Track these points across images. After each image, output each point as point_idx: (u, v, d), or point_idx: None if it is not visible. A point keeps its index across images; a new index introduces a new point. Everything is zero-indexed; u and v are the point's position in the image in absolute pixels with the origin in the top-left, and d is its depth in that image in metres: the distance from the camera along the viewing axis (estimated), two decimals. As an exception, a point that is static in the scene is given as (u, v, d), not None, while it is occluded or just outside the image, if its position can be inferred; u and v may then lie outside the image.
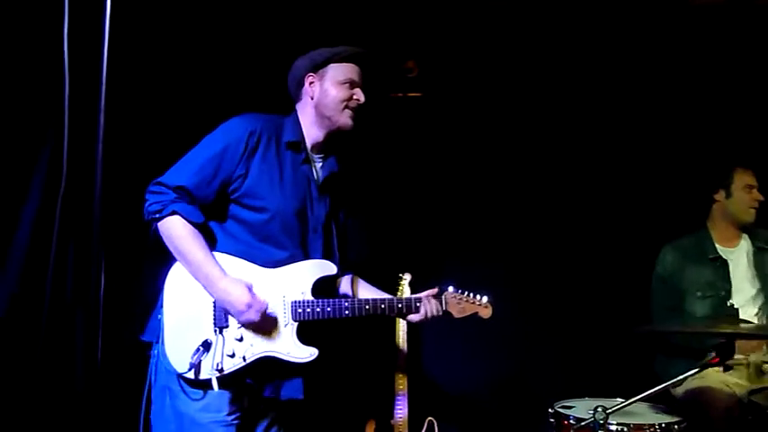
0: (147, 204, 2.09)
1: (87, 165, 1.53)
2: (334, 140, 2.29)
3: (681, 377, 2.37)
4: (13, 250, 2.30)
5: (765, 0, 3.25)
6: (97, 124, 1.47)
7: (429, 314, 2.29)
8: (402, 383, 3.02)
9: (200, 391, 2.04)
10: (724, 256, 3.03)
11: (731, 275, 2.99)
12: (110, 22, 1.44)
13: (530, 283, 3.63)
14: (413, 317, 2.30)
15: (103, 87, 1.40)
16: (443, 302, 2.32)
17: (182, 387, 2.05)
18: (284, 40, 3.05)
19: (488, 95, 3.66)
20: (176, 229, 2.05)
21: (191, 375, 2.01)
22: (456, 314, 2.34)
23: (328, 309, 2.15)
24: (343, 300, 2.20)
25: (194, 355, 2.00)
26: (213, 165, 2.09)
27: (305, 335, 2.15)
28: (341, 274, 2.33)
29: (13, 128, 2.36)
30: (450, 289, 2.35)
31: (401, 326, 3.07)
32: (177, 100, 3.01)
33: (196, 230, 2.07)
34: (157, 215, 2.06)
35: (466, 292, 2.36)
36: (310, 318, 2.14)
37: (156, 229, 2.09)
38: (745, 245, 3.08)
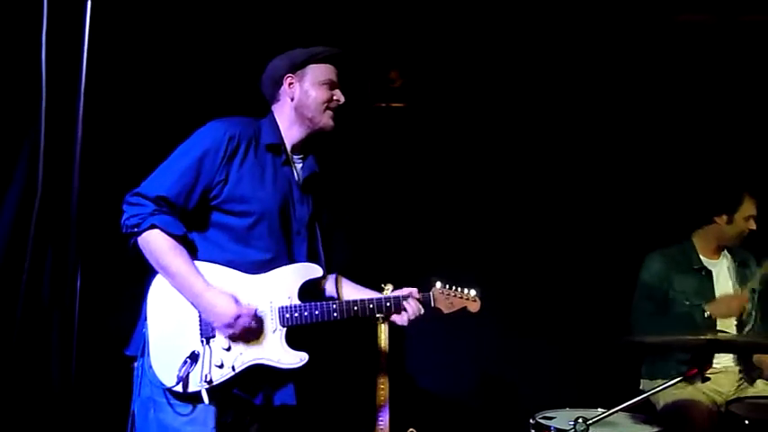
0: (124, 217, 2.03)
1: (65, 169, 1.52)
2: (313, 141, 2.26)
3: (659, 388, 2.41)
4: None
5: (749, 17, 3.31)
6: (75, 128, 1.46)
7: (411, 316, 2.22)
8: (384, 389, 2.97)
9: (189, 405, 1.99)
10: (709, 267, 3.10)
11: (714, 286, 3.06)
12: (88, 29, 1.44)
13: (512, 294, 3.63)
14: (395, 319, 2.25)
15: (82, 88, 1.39)
16: (432, 299, 2.27)
17: (167, 400, 2.00)
18: (264, 48, 3.06)
19: (471, 106, 3.67)
20: (156, 243, 2.00)
21: (179, 389, 1.96)
22: (445, 310, 2.29)
23: (316, 312, 2.11)
24: (330, 302, 2.16)
25: (182, 367, 1.95)
26: (193, 172, 2.04)
27: (292, 340, 2.12)
28: (326, 275, 2.29)
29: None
30: (438, 284, 2.29)
31: (383, 328, 3.02)
32: (155, 104, 2.98)
33: (177, 243, 2.02)
34: (136, 229, 2.00)
35: (454, 287, 2.31)
36: (298, 322, 2.10)
37: (136, 243, 2.03)
38: (725, 260, 3.16)
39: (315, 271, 2.17)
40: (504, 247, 3.66)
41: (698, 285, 3.05)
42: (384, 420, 3.03)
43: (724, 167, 3.50)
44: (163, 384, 1.97)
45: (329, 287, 2.34)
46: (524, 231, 3.68)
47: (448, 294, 2.29)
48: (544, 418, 2.64)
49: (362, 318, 2.21)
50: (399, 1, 3.23)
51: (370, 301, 2.20)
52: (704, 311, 2.98)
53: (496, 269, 3.60)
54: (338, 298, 2.27)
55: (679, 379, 2.34)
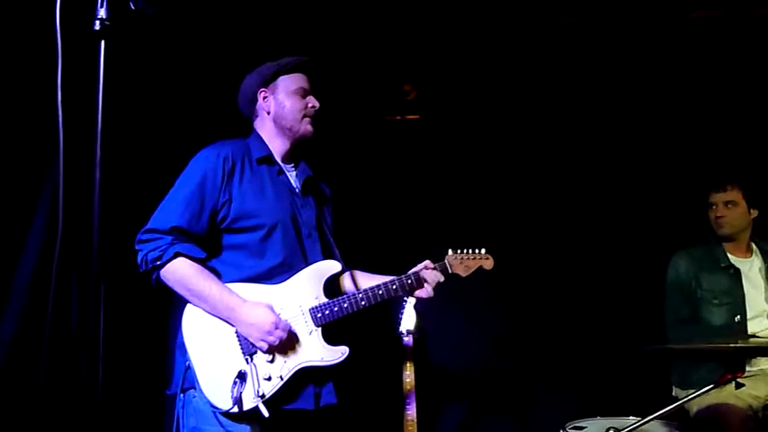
0: (141, 255, 2.05)
1: (85, 203, 1.52)
2: (299, 148, 2.32)
3: (693, 395, 2.36)
4: (14, 290, 2.29)
5: (764, 10, 3.25)
6: (93, 165, 1.46)
7: (433, 284, 2.30)
8: (410, 377, 2.93)
9: (246, 426, 2.02)
10: (737, 266, 3.03)
11: (744, 285, 2.99)
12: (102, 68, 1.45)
13: (538, 302, 3.59)
14: (420, 293, 2.31)
15: (99, 126, 1.40)
16: (448, 266, 2.34)
17: (221, 425, 2.01)
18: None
19: (486, 116, 3.66)
20: (183, 270, 2.03)
21: (236, 410, 1.99)
22: (462, 273, 2.37)
23: (345, 305, 2.17)
24: (356, 292, 2.22)
25: (233, 389, 1.99)
26: (198, 197, 2.08)
27: (328, 337, 2.15)
28: (344, 269, 2.32)
29: (14, 168, 2.36)
30: (450, 252, 2.38)
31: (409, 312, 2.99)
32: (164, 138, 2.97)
33: (202, 266, 2.06)
34: (158, 262, 2.02)
35: (465, 250, 2.39)
36: (330, 319, 2.15)
37: (159, 277, 2.05)
38: (756, 260, 3.08)
39: (333, 266, 2.23)
40: (526, 255, 3.59)
41: (727, 284, 2.98)
42: (412, 409, 2.95)
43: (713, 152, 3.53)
44: (220, 409, 1.99)
45: (347, 283, 2.38)
46: (546, 239, 3.63)
47: (462, 258, 2.37)
48: (575, 428, 2.61)
49: (387, 301, 2.26)
50: (411, 14, 3.22)
51: (392, 281, 2.26)
52: (735, 314, 2.92)
53: (519, 279, 3.55)
54: (358, 289, 2.30)
55: (712, 386, 2.30)
